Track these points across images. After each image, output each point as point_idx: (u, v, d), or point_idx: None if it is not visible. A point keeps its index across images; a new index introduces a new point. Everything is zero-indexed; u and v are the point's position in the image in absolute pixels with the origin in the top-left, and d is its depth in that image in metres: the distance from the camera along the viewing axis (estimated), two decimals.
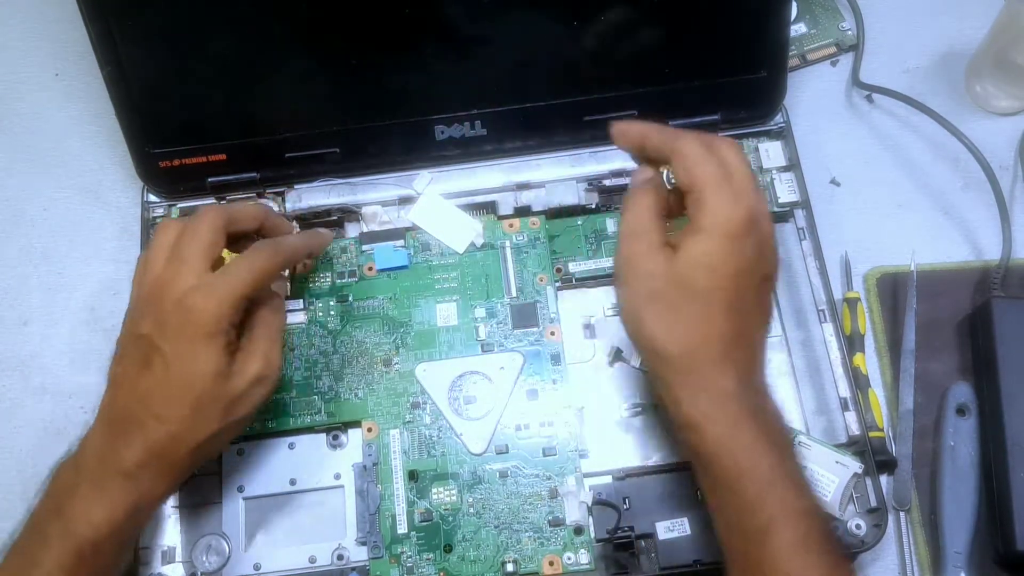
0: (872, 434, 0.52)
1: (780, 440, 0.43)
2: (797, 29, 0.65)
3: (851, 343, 0.55)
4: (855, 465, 0.50)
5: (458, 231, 0.57)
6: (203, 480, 0.52)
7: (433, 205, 0.58)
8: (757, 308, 0.45)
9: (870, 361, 0.56)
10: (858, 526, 0.50)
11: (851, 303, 0.57)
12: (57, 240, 0.62)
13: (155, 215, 0.59)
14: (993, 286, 0.55)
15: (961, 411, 0.54)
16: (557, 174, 0.59)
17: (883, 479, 0.53)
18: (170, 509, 0.52)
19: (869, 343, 0.57)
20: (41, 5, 0.68)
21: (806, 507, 0.41)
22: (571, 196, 0.58)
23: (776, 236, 0.46)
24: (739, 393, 0.43)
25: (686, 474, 0.51)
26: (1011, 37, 0.59)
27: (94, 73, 0.54)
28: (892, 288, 0.58)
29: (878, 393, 0.55)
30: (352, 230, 0.59)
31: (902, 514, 0.53)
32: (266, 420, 0.53)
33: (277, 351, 0.48)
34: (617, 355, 0.54)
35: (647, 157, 0.47)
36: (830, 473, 0.50)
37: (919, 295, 0.56)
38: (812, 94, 0.64)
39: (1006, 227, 0.56)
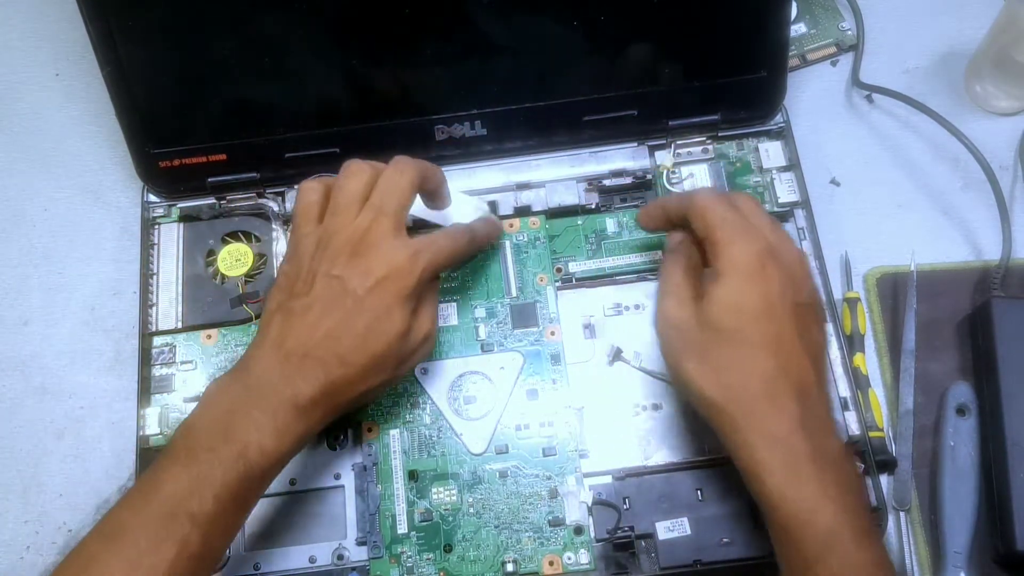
0: (872, 434, 0.52)
1: (843, 485, 0.42)
2: (797, 29, 0.65)
3: (851, 343, 0.55)
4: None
5: None
6: None
7: None
8: (799, 340, 0.44)
9: (870, 361, 0.56)
10: None
11: (851, 303, 0.57)
12: (57, 240, 0.62)
13: (155, 215, 0.59)
14: (993, 286, 0.55)
15: (961, 411, 0.54)
16: (557, 174, 0.59)
17: (883, 479, 0.53)
18: None
19: (869, 343, 0.57)
20: (41, 5, 0.68)
21: (868, 560, 0.40)
22: (571, 196, 0.58)
23: (807, 265, 0.47)
24: (794, 436, 0.42)
25: (686, 474, 0.51)
26: (1011, 37, 0.59)
27: (94, 73, 0.54)
28: (892, 288, 0.58)
29: (878, 393, 0.55)
30: None
31: (902, 514, 0.53)
32: None
33: (437, 315, 0.50)
34: (617, 355, 0.54)
35: (674, 225, 0.50)
36: None
37: (919, 295, 0.56)
38: (812, 94, 0.64)
39: (1006, 227, 0.56)
